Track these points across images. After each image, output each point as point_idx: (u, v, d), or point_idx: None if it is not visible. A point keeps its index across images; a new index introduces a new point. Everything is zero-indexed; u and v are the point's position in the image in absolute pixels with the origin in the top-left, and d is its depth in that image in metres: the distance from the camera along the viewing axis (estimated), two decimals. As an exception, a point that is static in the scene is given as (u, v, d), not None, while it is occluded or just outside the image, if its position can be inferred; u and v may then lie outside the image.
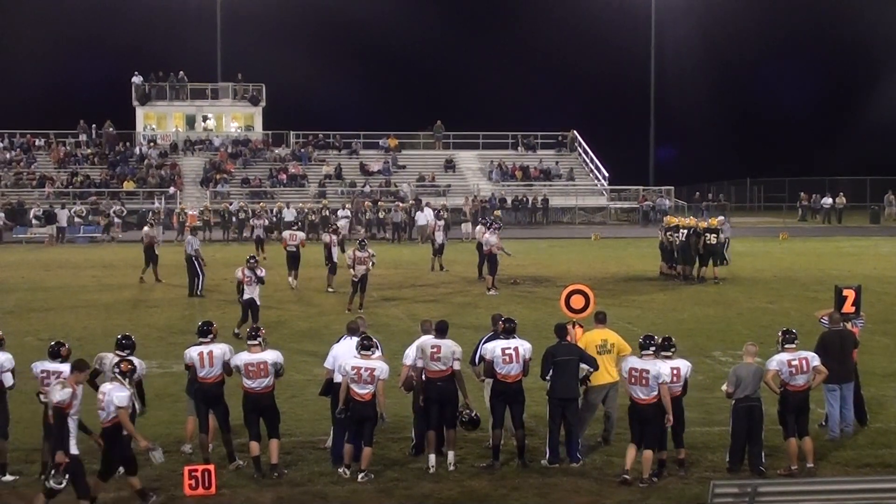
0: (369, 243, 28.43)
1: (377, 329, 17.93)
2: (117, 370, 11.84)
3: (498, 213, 48.52)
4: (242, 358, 12.90)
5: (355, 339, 13.41)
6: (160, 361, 18.97)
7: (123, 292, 29.83)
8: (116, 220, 50.94)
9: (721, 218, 38.34)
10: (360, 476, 12.63)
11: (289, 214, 49.50)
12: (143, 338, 21.23)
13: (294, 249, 30.67)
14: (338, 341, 13.74)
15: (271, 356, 12.88)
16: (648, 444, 12.58)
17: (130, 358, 12.39)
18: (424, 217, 48.39)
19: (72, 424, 11.09)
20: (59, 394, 11.09)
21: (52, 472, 10.95)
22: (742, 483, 11.02)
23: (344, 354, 13.20)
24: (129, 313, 25.83)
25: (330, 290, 29.05)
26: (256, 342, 12.97)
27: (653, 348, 12.78)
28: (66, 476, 10.94)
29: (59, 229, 49.31)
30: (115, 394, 11.48)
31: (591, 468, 13.08)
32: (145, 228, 33.48)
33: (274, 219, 48.84)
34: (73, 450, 11.05)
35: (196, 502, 11.96)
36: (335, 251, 29.66)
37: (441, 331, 13.38)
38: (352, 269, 25.53)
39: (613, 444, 13.80)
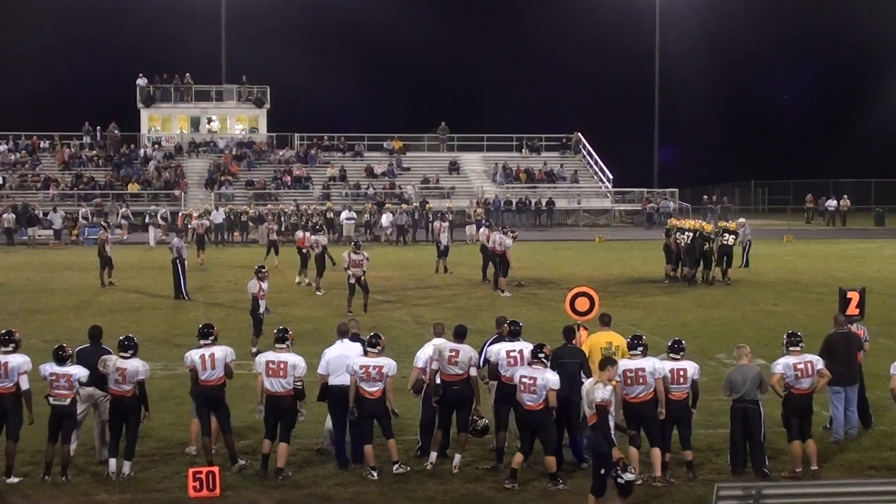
0: (368, 246, 28.38)
1: (381, 331, 17.90)
2: (542, 354, 12.55)
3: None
4: (266, 356, 13.04)
5: (346, 342, 13.44)
6: (164, 363, 18.97)
7: (128, 294, 29.85)
8: (122, 221, 51.03)
9: (742, 220, 38.56)
10: (394, 468, 12.74)
11: (217, 216, 49.40)
12: (148, 340, 21.25)
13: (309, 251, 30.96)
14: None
15: (292, 359, 12.93)
16: (653, 442, 12.61)
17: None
18: (388, 218, 49.73)
19: (611, 420, 11.45)
20: (600, 392, 11.42)
21: (619, 469, 11.20)
22: (746, 486, 11.00)
23: (337, 358, 13.22)
24: (134, 315, 25.84)
25: (319, 292, 29.21)
26: (284, 345, 13.03)
27: (641, 348, 12.88)
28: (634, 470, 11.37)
29: (56, 232, 49.38)
30: (548, 376, 12.41)
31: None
32: (99, 231, 33.67)
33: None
34: (615, 441, 11.39)
35: (200, 504, 11.96)
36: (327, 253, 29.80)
37: (459, 335, 13.42)
38: (348, 271, 25.57)
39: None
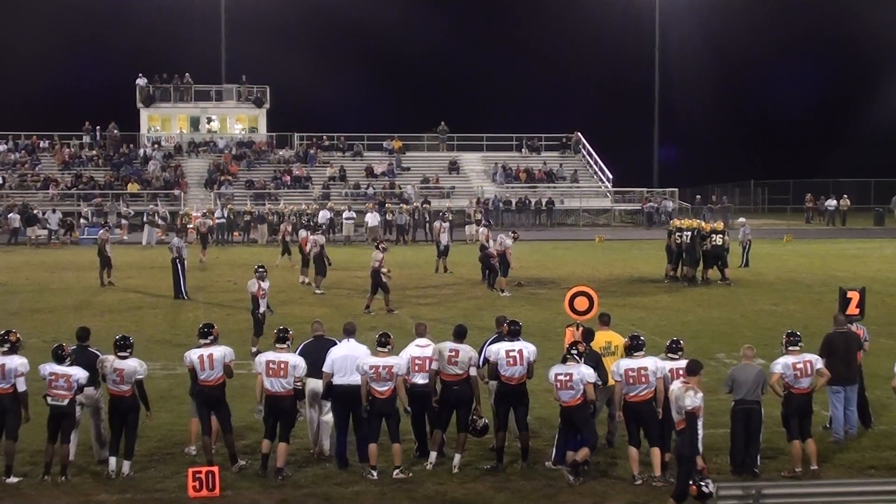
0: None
1: (380, 330, 17.91)
2: (575, 351, 12.72)
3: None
4: (266, 356, 13.03)
5: (352, 341, 13.43)
6: (164, 363, 18.96)
7: (128, 294, 29.84)
8: (123, 221, 51.01)
9: (742, 220, 38.57)
10: (395, 473, 12.71)
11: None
12: (147, 339, 21.30)
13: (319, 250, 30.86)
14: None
15: (293, 359, 12.93)
16: (652, 441, 12.61)
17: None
18: (375, 218, 49.32)
19: (699, 426, 11.38)
20: (690, 399, 11.38)
21: (699, 477, 11.10)
22: (746, 486, 11.01)
23: (343, 357, 13.20)
24: (134, 314, 25.83)
25: (318, 291, 29.21)
26: (285, 345, 13.03)
27: (643, 349, 12.88)
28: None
29: (50, 232, 49.37)
30: (583, 370, 12.58)
31: (595, 470, 13.06)
32: (100, 231, 33.70)
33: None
34: (700, 449, 11.37)
35: (200, 504, 11.96)
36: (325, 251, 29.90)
37: (459, 335, 13.43)
38: (384, 269, 25.64)
39: (617, 447, 13.79)
